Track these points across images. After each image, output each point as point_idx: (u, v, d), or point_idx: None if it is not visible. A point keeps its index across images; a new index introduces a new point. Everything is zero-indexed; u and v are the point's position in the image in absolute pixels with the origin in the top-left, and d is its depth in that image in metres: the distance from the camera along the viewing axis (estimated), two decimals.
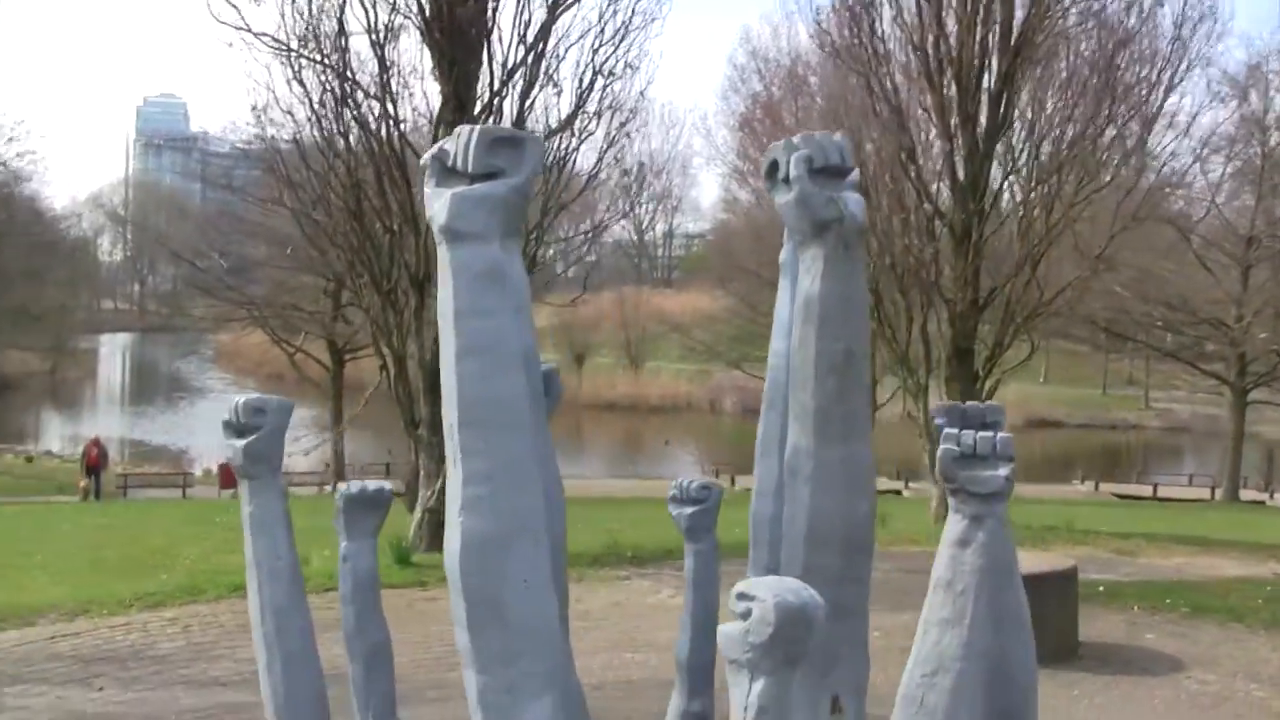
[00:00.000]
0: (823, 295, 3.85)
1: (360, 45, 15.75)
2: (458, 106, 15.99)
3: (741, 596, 3.06)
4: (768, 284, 38.11)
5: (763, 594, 3.01)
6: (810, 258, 3.87)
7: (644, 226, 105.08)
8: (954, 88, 18.82)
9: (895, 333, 21.07)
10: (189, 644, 9.82)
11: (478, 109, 16.37)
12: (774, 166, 3.87)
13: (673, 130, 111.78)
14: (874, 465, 3.96)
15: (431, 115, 16.36)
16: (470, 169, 3.56)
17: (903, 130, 19.29)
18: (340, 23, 15.30)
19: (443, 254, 3.58)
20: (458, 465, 3.55)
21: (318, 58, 15.35)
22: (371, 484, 5.06)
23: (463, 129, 3.62)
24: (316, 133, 16.09)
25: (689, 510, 5.14)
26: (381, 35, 15.37)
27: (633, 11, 16.47)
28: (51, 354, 53.84)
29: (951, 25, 18.99)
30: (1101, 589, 12.57)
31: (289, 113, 16.23)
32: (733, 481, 40.92)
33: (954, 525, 3.37)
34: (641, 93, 18.00)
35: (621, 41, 16.56)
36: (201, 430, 48.12)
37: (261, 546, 4.44)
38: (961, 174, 19.00)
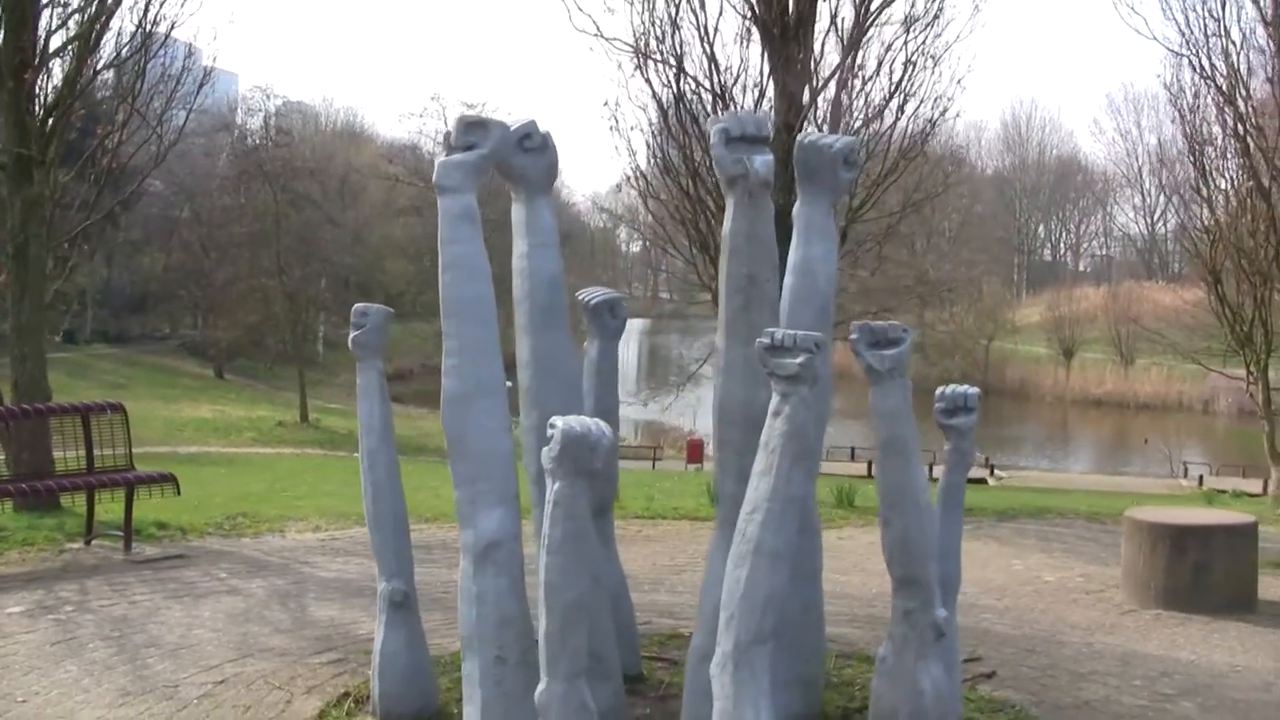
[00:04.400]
0: (732, 233, 4.69)
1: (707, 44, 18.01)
2: (785, 99, 18.12)
3: (550, 425, 3.88)
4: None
5: (559, 424, 3.83)
6: (728, 205, 4.77)
7: (1154, 219, 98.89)
8: None
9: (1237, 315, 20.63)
10: None
11: (805, 100, 18.41)
12: (705, 137, 5.60)
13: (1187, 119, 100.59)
14: None
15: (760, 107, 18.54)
16: (454, 144, 4.83)
17: None
18: (674, 22, 17.75)
19: (438, 203, 4.77)
20: (445, 344, 4.72)
21: (658, 56, 17.98)
22: None
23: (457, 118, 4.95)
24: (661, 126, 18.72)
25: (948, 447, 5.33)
26: (710, 33, 17.75)
27: (940, 5, 17.60)
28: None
29: None
30: None
31: (642, 108, 19.02)
32: (1200, 482, 37.90)
33: (772, 401, 3.91)
34: (959, 82, 18.94)
35: (928, 37, 17.89)
36: (704, 413, 49.78)
37: (363, 408, 5.59)
38: None
